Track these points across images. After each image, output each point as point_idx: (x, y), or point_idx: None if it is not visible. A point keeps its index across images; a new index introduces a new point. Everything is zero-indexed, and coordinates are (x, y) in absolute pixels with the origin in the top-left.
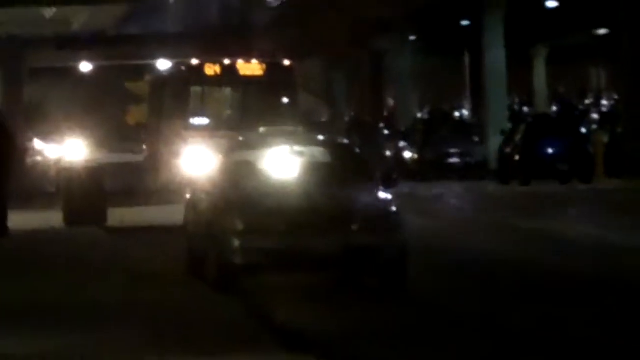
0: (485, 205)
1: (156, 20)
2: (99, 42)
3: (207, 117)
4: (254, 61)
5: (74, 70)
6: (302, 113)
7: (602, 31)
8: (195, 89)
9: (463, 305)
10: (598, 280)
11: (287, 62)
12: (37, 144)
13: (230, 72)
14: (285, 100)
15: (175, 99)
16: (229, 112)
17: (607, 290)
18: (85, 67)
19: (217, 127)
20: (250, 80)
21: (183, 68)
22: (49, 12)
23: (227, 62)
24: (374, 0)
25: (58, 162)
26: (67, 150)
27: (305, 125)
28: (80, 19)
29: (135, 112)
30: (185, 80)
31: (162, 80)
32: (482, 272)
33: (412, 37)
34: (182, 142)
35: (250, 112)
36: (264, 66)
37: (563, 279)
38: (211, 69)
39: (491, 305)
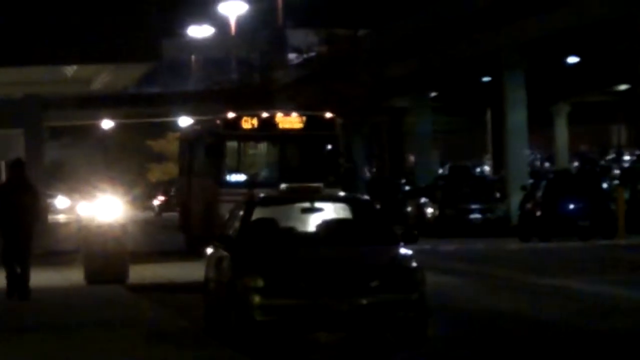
0: (506, 263)
1: (177, 80)
2: (119, 101)
3: (244, 173)
4: (294, 114)
5: (94, 129)
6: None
7: (623, 87)
8: (231, 144)
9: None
10: (617, 339)
11: (328, 115)
12: (58, 201)
13: (268, 126)
14: (327, 155)
15: (209, 154)
16: (266, 168)
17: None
18: (106, 125)
19: (254, 184)
20: (289, 134)
21: (218, 122)
22: (70, 70)
23: (265, 115)
24: (393, 59)
25: (79, 219)
26: (88, 207)
27: (338, 181)
28: (101, 78)
29: (156, 170)
30: (220, 135)
31: (195, 135)
32: (499, 331)
33: (432, 95)
34: (216, 200)
35: (289, 168)
36: (304, 119)
37: (580, 338)
38: (248, 123)
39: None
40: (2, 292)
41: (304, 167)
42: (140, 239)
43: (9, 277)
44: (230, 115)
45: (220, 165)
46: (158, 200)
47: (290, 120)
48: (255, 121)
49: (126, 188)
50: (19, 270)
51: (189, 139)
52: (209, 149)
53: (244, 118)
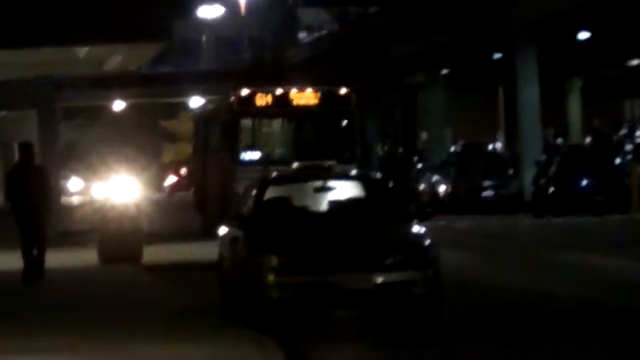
0: (520, 239)
1: (189, 60)
2: (132, 81)
3: (259, 150)
4: (309, 90)
5: (107, 109)
6: (361, 144)
7: (636, 62)
8: (245, 122)
9: (496, 343)
10: (636, 315)
11: (344, 91)
12: (72, 182)
13: (283, 102)
14: (344, 131)
15: (224, 132)
16: (282, 145)
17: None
18: (119, 105)
19: (269, 162)
20: (304, 110)
21: (232, 99)
22: (82, 51)
23: (279, 91)
24: (405, 37)
25: (92, 200)
26: (101, 188)
27: (354, 157)
28: (113, 58)
29: (170, 150)
30: (235, 112)
31: (209, 113)
32: (516, 307)
33: (444, 72)
34: (231, 178)
35: (305, 145)
36: (320, 95)
37: (599, 314)
38: (262, 99)
39: (524, 344)
40: (18, 274)
41: (320, 143)
42: (155, 219)
43: (26, 261)
44: (244, 91)
45: (235, 143)
46: (169, 181)
47: (305, 96)
48: (269, 97)
49: (141, 168)
50: (35, 253)
51: (203, 117)
52: (224, 127)
53: (258, 94)
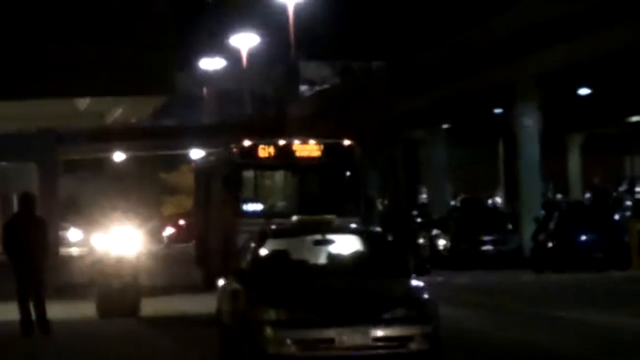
0: (520, 295)
1: (190, 112)
2: (133, 134)
3: (261, 203)
4: (312, 142)
5: (108, 162)
6: (366, 197)
7: (636, 118)
8: (248, 173)
9: None
10: None
11: (347, 143)
12: (71, 234)
13: (285, 154)
14: (347, 184)
15: (226, 184)
16: (285, 197)
17: None
18: (119, 158)
19: (271, 214)
20: (307, 162)
21: (234, 150)
22: (83, 103)
23: (282, 142)
24: (407, 92)
25: (93, 252)
26: (99, 241)
27: (358, 210)
28: (113, 111)
29: (170, 203)
30: (237, 164)
31: (211, 165)
32: None
33: (445, 126)
34: (233, 231)
35: (308, 197)
36: (322, 147)
37: None
38: (265, 151)
39: None
40: (16, 326)
41: (323, 196)
42: (154, 272)
43: (23, 316)
44: (247, 143)
45: (237, 195)
46: (167, 232)
47: (308, 148)
48: (272, 149)
49: (142, 220)
50: (32, 306)
51: (204, 169)
52: (226, 179)
53: (261, 146)
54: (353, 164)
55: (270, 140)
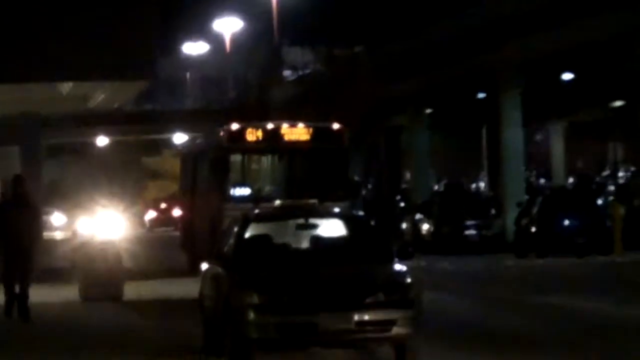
0: (502, 280)
1: (173, 97)
2: (116, 118)
3: (249, 187)
4: (301, 125)
5: (91, 146)
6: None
7: (618, 103)
8: (235, 157)
9: None
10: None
11: (336, 126)
12: (55, 218)
13: (274, 138)
14: (336, 168)
15: (213, 168)
16: (273, 181)
17: None
18: (102, 142)
19: (259, 199)
20: (296, 146)
21: (221, 134)
22: (66, 88)
23: (270, 126)
24: (389, 77)
25: (75, 235)
26: (83, 225)
27: (347, 195)
28: (97, 95)
29: (153, 187)
30: (224, 147)
31: (197, 149)
32: (495, 349)
33: (428, 111)
34: (220, 216)
35: (297, 181)
36: (312, 131)
37: (570, 354)
38: (253, 134)
39: None
40: None
41: (312, 180)
42: (138, 255)
43: (7, 296)
44: (235, 126)
45: (224, 179)
46: (149, 216)
47: (296, 132)
48: (260, 133)
49: (126, 205)
50: (17, 289)
51: (190, 152)
52: (213, 163)
53: (249, 129)
54: (342, 148)
55: (258, 123)
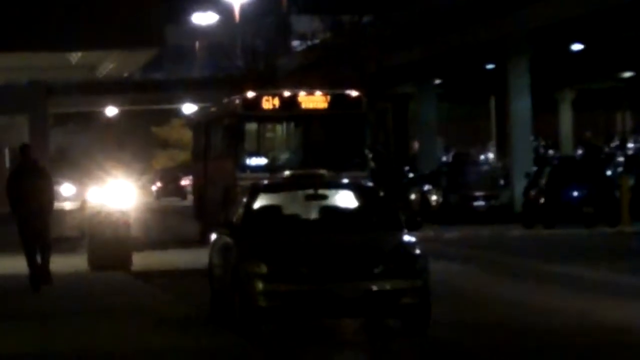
0: (510, 250)
1: (182, 66)
2: (124, 87)
3: (265, 156)
4: (318, 93)
5: (99, 115)
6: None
7: (628, 74)
8: (251, 126)
9: (482, 349)
10: (626, 328)
11: (355, 94)
12: (64, 188)
13: (291, 106)
14: (354, 137)
15: (228, 136)
16: (289, 151)
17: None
18: (111, 112)
19: (275, 168)
20: (313, 114)
21: (237, 102)
22: (74, 57)
23: (287, 94)
24: (398, 46)
25: (81, 206)
26: (92, 194)
27: (365, 164)
28: (105, 64)
29: (162, 157)
30: (240, 116)
31: (211, 117)
32: (503, 318)
33: (436, 82)
34: (235, 185)
35: (314, 150)
36: (329, 98)
37: (587, 327)
38: (269, 102)
39: (504, 350)
40: (19, 279)
41: (330, 150)
42: (148, 225)
43: (32, 270)
44: (250, 94)
45: (240, 149)
46: (156, 186)
47: (313, 100)
48: (276, 101)
49: (137, 174)
50: (39, 258)
51: (204, 120)
52: (227, 131)
53: (265, 97)
54: (361, 115)
55: (274, 91)
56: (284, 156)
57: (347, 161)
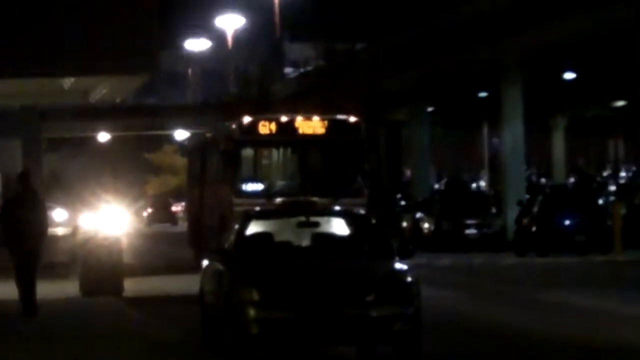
0: (502, 278)
1: (175, 92)
2: (117, 113)
3: (261, 182)
4: (316, 118)
5: (92, 141)
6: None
7: (620, 103)
8: (248, 151)
9: None
10: (621, 354)
11: (353, 119)
12: (56, 213)
13: (288, 131)
14: (353, 163)
15: (223, 162)
16: (287, 177)
17: None
18: (103, 137)
19: (272, 194)
20: (311, 139)
21: (233, 127)
22: (67, 82)
23: (284, 118)
24: (390, 72)
25: (74, 231)
26: (83, 220)
27: (363, 190)
28: (98, 90)
29: (155, 182)
30: (236, 141)
31: (207, 141)
32: (496, 346)
33: (429, 109)
34: (231, 211)
35: (312, 177)
36: (327, 123)
37: (581, 354)
38: (266, 127)
39: None
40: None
41: (328, 176)
42: (140, 251)
43: (24, 297)
44: (247, 119)
45: (236, 174)
46: (147, 212)
47: (312, 125)
48: (273, 125)
49: (130, 199)
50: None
51: (199, 146)
52: (224, 156)
53: (262, 122)
54: (360, 141)
55: (271, 115)
56: (281, 182)
57: (344, 188)
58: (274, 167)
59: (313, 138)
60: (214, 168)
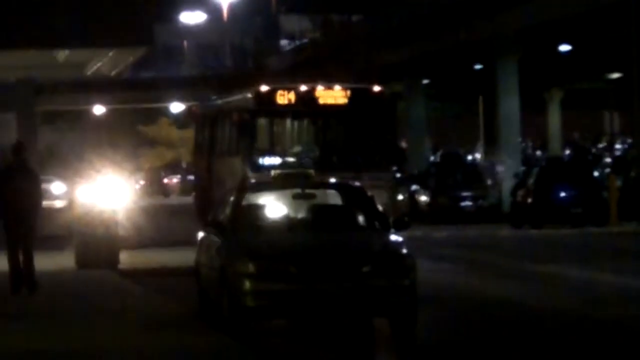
0: (498, 250)
1: (170, 65)
2: (112, 86)
3: (278, 156)
4: (337, 87)
5: (87, 114)
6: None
7: (616, 75)
8: (263, 122)
9: (470, 349)
10: (612, 327)
11: (377, 88)
12: (54, 186)
13: (307, 101)
14: (376, 135)
15: (237, 133)
16: (305, 150)
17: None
18: (98, 110)
19: (290, 168)
20: (332, 110)
21: (249, 95)
22: (62, 55)
23: (303, 88)
24: (387, 45)
25: (70, 204)
26: (79, 193)
27: (389, 162)
28: (93, 62)
29: (150, 155)
30: (252, 111)
31: (218, 110)
32: (491, 318)
33: (425, 82)
34: (244, 185)
35: (332, 150)
36: (349, 93)
37: (573, 326)
38: (284, 97)
39: (494, 349)
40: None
41: (350, 149)
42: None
43: (12, 272)
44: (264, 87)
45: (251, 146)
46: (139, 185)
47: (333, 94)
48: (292, 95)
49: (127, 172)
50: (21, 259)
51: (208, 115)
52: (237, 127)
53: (279, 91)
54: (383, 112)
55: (290, 84)
56: (299, 155)
57: (368, 161)
58: (292, 140)
59: (334, 109)
60: (225, 139)
